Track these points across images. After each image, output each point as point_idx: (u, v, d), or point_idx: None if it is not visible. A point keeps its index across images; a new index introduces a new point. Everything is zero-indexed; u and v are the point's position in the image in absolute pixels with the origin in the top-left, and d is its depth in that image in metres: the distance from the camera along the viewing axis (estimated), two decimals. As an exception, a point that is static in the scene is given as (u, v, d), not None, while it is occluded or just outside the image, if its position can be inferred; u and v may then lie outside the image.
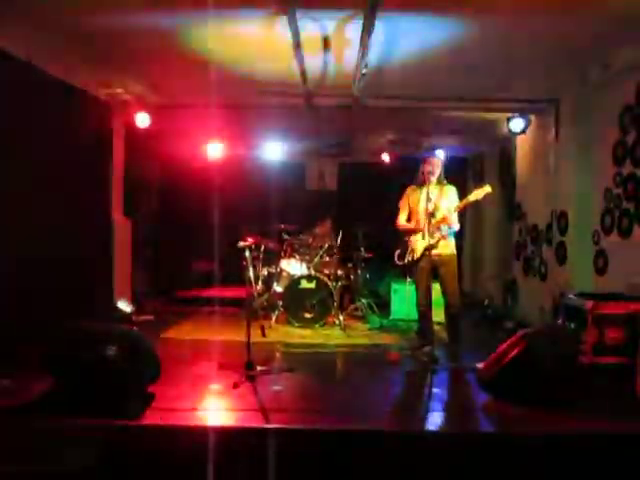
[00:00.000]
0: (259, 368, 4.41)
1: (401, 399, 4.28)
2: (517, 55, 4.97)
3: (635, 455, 3.15)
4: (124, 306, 6.53)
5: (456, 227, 5.23)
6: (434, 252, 5.09)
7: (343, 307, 7.06)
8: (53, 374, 3.65)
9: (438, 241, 5.10)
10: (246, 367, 4.34)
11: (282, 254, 7.35)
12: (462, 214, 5.33)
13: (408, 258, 5.34)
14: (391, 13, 3.95)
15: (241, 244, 4.91)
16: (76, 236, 5.49)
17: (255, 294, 6.77)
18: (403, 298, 7.11)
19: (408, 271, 6.04)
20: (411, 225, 5.38)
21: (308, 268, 6.91)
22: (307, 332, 6.39)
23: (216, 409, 3.81)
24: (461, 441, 3.32)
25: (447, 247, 5.21)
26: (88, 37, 4.67)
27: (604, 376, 4.30)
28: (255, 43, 4.72)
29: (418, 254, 5.23)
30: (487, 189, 5.06)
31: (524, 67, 5.32)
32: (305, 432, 3.33)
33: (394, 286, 7.26)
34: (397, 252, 5.48)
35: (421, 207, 5.24)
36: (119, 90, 6.20)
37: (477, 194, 5.07)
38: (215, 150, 7.78)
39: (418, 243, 5.24)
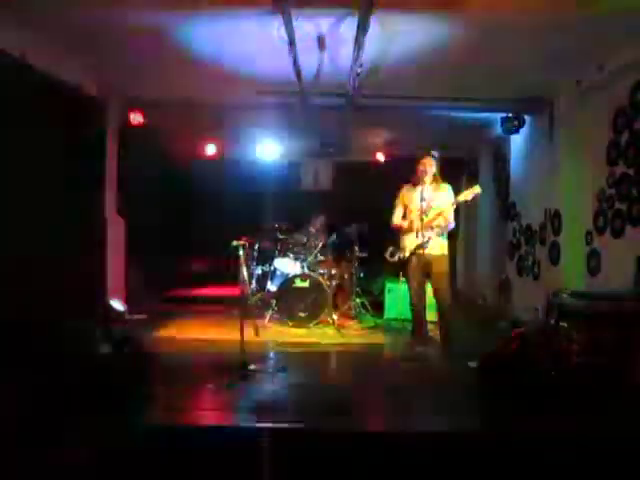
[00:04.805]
0: (252, 367, 4.40)
1: (394, 398, 4.28)
2: (512, 55, 4.99)
3: (625, 455, 3.16)
4: (117, 305, 6.50)
5: (451, 226, 5.25)
6: (425, 251, 5.11)
7: (337, 306, 7.06)
8: (48, 374, 3.63)
9: (428, 240, 5.12)
10: (240, 366, 4.33)
11: (276, 253, 7.34)
12: (456, 213, 5.34)
13: (399, 256, 5.36)
14: (386, 12, 3.96)
15: (235, 243, 4.91)
16: (70, 235, 5.46)
17: (249, 293, 6.76)
18: (397, 297, 7.12)
19: (402, 270, 6.06)
20: (405, 224, 5.40)
21: (302, 267, 6.91)
22: (301, 331, 6.38)
23: (209, 408, 3.80)
24: (455, 440, 3.33)
25: (438, 247, 5.22)
26: (83, 33, 4.65)
27: (596, 376, 4.31)
28: (250, 42, 4.71)
29: (408, 252, 5.25)
30: (476, 190, 5.08)
31: (519, 67, 5.33)
32: (299, 431, 3.33)
33: (388, 285, 7.27)
34: (388, 249, 5.50)
35: (415, 206, 5.25)
36: (114, 87, 6.17)
37: (466, 195, 5.09)
38: (210, 149, 7.78)
39: (410, 242, 5.26)
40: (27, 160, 4.78)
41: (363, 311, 7.20)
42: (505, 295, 7.47)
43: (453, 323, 5.37)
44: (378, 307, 7.34)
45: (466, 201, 5.17)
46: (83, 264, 5.82)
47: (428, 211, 5.18)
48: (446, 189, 5.31)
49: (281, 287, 6.74)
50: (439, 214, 5.14)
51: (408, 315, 5.84)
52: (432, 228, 5.15)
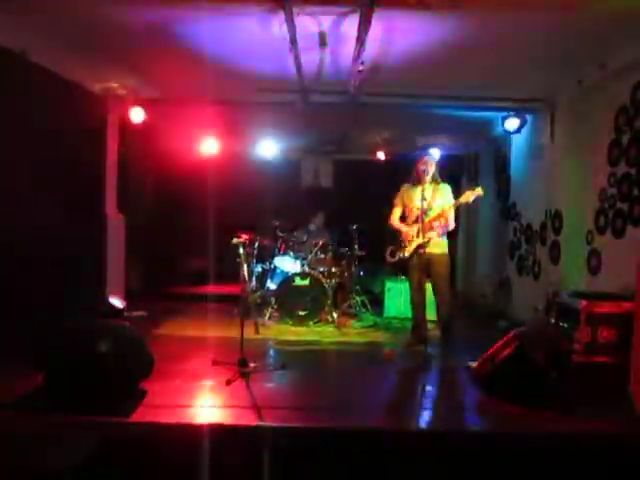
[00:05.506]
0: (252, 365, 4.40)
1: (394, 397, 4.28)
2: (514, 54, 4.98)
3: (625, 454, 3.16)
4: (117, 302, 6.48)
5: (451, 226, 5.24)
6: (426, 251, 5.10)
7: (337, 304, 7.05)
8: (46, 371, 3.63)
9: (429, 240, 5.11)
10: (239, 364, 4.33)
11: (276, 251, 7.34)
12: (456, 213, 5.33)
13: (399, 255, 5.36)
14: (388, 10, 3.94)
15: (235, 241, 4.90)
16: (69, 232, 5.45)
17: (249, 291, 6.76)
18: (396, 296, 7.11)
19: (402, 269, 6.05)
20: (404, 223, 5.39)
21: (302, 265, 6.90)
22: (301, 329, 6.38)
23: (209, 406, 3.79)
24: (454, 439, 3.32)
25: (439, 247, 5.22)
26: (84, 30, 4.64)
27: (597, 375, 4.31)
28: (252, 39, 4.69)
29: (409, 252, 5.25)
30: (478, 191, 5.06)
31: (521, 66, 5.32)
32: (298, 429, 3.32)
33: (388, 284, 7.26)
34: (389, 249, 5.49)
35: (415, 205, 5.24)
36: (114, 84, 6.16)
37: (468, 196, 5.08)
38: (210, 146, 7.76)
39: (410, 241, 5.25)
40: (27, 157, 4.77)
41: (363, 309, 7.19)
42: (505, 294, 7.46)
43: (453, 322, 5.37)
44: (378, 305, 7.33)
45: (468, 202, 5.15)
46: (83, 261, 5.81)
47: (428, 211, 5.17)
48: (446, 189, 5.30)
49: (281, 285, 6.74)
50: (440, 215, 5.13)
51: (408, 314, 5.85)
52: (432, 228, 5.13)
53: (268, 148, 8.28)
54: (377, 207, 6.16)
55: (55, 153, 5.23)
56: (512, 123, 6.30)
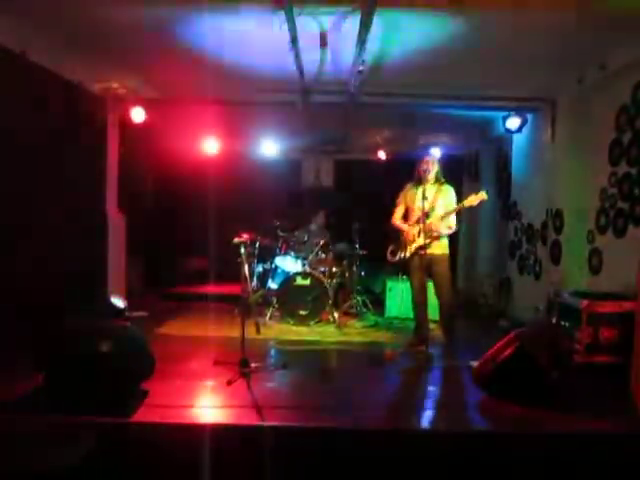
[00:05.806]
0: (253, 365, 4.39)
1: (395, 397, 4.28)
2: (514, 54, 4.97)
3: (626, 455, 3.16)
4: (118, 302, 6.49)
5: (451, 230, 5.22)
6: (427, 251, 5.09)
7: (338, 304, 7.05)
8: (46, 371, 3.63)
9: (430, 242, 5.10)
10: (240, 364, 4.33)
11: (277, 251, 7.34)
12: (457, 213, 5.32)
13: (400, 255, 5.36)
14: (389, 9, 3.94)
15: (236, 240, 4.89)
16: (69, 232, 5.45)
17: (250, 291, 6.75)
18: (398, 296, 7.10)
19: (403, 269, 6.04)
20: (407, 223, 5.38)
21: (303, 265, 6.90)
22: (302, 329, 6.38)
23: (210, 406, 3.79)
24: (455, 439, 3.32)
25: (439, 247, 5.21)
26: (84, 30, 4.64)
27: (598, 375, 4.31)
28: (252, 39, 4.69)
29: (410, 253, 5.24)
30: (482, 196, 5.05)
31: (521, 66, 5.32)
32: (299, 429, 3.32)
33: (389, 284, 7.25)
34: (390, 248, 5.49)
35: (417, 205, 5.23)
36: (114, 84, 6.16)
37: (471, 200, 5.06)
38: (211, 146, 7.76)
39: (411, 242, 5.24)
40: (27, 157, 4.77)
41: (364, 309, 7.19)
42: (506, 294, 7.45)
43: (454, 322, 5.36)
44: (379, 305, 7.33)
45: (471, 206, 5.14)
46: (84, 260, 5.81)
47: (430, 211, 5.15)
48: (449, 191, 5.29)
49: (282, 285, 6.73)
50: (441, 218, 5.12)
51: (409, 313, 5.84)
52: (433, 230, 5.12)
53: (269, 148, 8.28)
54: (378, 207, 6.16)
55: (55, 153, 5.23)
56: (513, 122, 6.30)
